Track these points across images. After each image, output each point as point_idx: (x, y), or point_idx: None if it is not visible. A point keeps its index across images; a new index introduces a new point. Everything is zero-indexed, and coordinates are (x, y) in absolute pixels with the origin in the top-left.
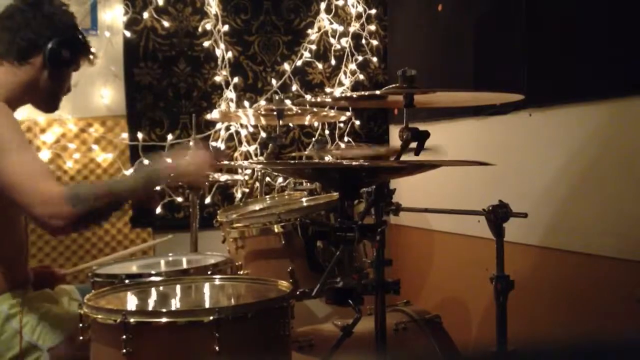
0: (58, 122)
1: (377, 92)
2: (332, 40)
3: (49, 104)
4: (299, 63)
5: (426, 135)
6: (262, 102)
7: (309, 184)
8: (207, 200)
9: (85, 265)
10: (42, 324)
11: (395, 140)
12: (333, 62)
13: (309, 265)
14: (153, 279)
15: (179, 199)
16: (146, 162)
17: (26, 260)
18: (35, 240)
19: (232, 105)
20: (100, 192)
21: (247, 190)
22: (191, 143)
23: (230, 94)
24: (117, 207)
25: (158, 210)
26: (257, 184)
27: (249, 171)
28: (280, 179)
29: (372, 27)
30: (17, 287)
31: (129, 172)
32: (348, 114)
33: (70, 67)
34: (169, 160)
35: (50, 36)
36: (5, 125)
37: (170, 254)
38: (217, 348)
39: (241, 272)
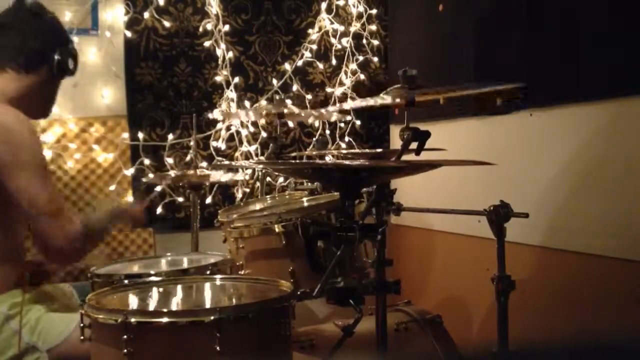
0: (59, 122)
1: (383, 95)
2: (332, 40)
3: (45, 110)
4: (299, 63)
5: (427, 135)
6: (263, 102)
7: (309, 183)
8: (208, 200)
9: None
10: (42, 324)
11: (396, 140)
12: (334, 62)
13: (309, 265)
14: (154, 278)
15: (180, 199)
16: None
17: (25, 261)
18: None
19: (233, 105)
20: (98, 227)
21: (247, 190)
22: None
23: (231, 93)
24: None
25: (159, 210)
26: (258, 183)
27: (249, 171)
28: (281, 179)
29: (373, 27)
30: (17, 287)
31: (129, 171)
32: (348, 118)
33: (70, 75)
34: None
35: (55, 47)
36: (36, 148)
37: (171, 254)
38: (218, 348)
39: (242, 272)
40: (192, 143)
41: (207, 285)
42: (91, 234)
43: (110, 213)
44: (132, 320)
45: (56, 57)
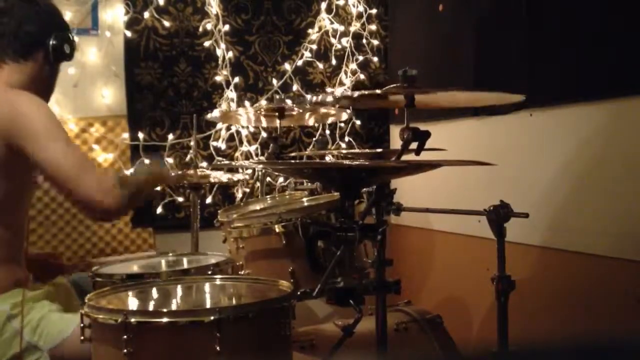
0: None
1: (378, 91)
2: (332, 40)
3: (46, 96)
4: (299, 63)
5: (427, 135)
6: (263, 102)
7: (309, 183)
8: (208, 200)
9: (96, 260)
10: (43, 324)
11: (396, 140)
12: (334, 62)
13: (309, 265)
14: (154, 278)
15: (180, 199)
16: (146, 161)
17: (25, 259)
18: (36, 240)
19: (233, 105)
20: (133, 179)
21: (247, 190)
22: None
23: (231, 93)
24: (140, 198)
25: (159, 210)
26: (258, 183)
27: (249, 171)
28: (281, 179)
29: (373, 27)
30: (19, 285)
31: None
32: (348, 111)
33: (67, 60)
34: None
35: (51, 31)
36: (53, 118)
37: (171, 254)
38: (218, 348)
39: (242, 272)
40: (192, 143)
41: (207, 285)
42: (128, 184)
43: (144, 172)
44: (132, 320)
45: (52, 42)
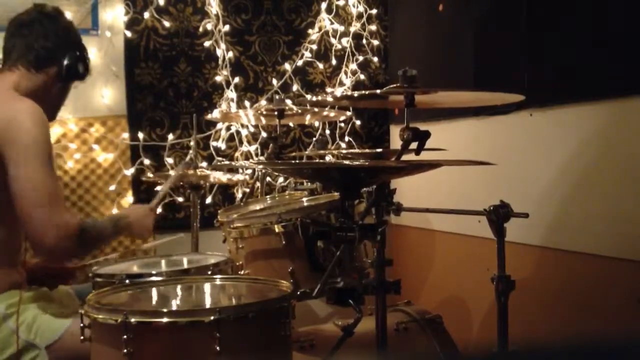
0: (59, 122)
1: (378, 91)
2: (332, 40)
3: (52, 112)
4: (299, 63)
5: (427, 135)
6: (263, 102)
7: (309, 183)
8: (208, 200)
9: (96, 259)
10: (39, 322)
11: (396, 140)
12: (334, 62)
13: (309, 265)
14: (154, 278)
15: (180, 199)
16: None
17: (23, 260)
18: None
19: (233, 105)
20: (98, 234)
21: (247, 190)
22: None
23: (230, 93)
24: (98, 247)
25: (159, 210)
26: (258, 183)
27: (249, 171)
28: (280, 179)
29: (373, 27)
30: (14, 287)
31: (129, 171)
32: (349, 113)
33: (79, 81)
34: (130, 217)
35: (66, 50)
36: (46, 135)
37: (171, 254)
38: (217, 348)
39: (242, 272)
40: (192, 143)
41: (207, 285)
42: (89, 240)
43: (115, 224)
44: (132, 320)
45: (66, 61)
